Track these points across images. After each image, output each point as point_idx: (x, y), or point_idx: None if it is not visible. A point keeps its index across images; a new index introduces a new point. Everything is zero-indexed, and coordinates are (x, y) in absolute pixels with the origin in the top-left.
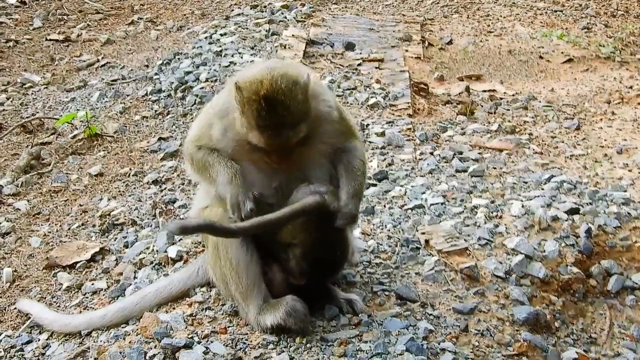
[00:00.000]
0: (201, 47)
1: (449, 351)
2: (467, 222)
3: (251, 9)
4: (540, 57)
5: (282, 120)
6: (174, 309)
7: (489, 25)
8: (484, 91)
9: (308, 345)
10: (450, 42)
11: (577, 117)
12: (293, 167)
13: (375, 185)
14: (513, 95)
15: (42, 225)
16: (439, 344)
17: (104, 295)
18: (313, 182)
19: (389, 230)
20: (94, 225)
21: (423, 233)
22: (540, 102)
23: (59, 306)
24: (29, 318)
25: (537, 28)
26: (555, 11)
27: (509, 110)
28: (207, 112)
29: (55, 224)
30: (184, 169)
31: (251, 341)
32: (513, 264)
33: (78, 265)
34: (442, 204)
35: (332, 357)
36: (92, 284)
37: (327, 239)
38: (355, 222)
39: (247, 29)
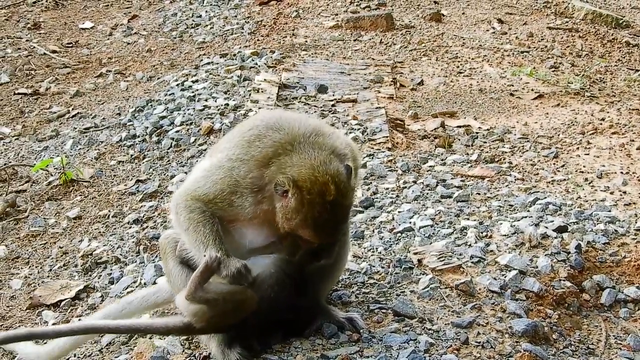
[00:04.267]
0: (173, 93)
1: None
2: (457, 242)
3: (220, 57)
4: (511, 95)
5: (342, 219)
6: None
7: (458, 67)
8: (459, 126)
9: None
10: (421, 83)
11: (554, 147)
12: None
13: (362, 212)
14: (488, 129)
15: (22, 268)
16: (441, 356)
17: None
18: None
19: (380, 252)
20: (75, 265)
21: (415, 253)
22: (515, 135)
23: (45, 343)
24: (15, 356)
25: (506, 68)
26: (522, 52)
27: (486, 142)
28: (232, 177)
29: (36, 267)
30: (165, 209)
31: None
32: (507, 279)
33: (63, 303)
34: (431, 226)
35: None
36: (79, 320)
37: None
38: None
39: (219, 75)
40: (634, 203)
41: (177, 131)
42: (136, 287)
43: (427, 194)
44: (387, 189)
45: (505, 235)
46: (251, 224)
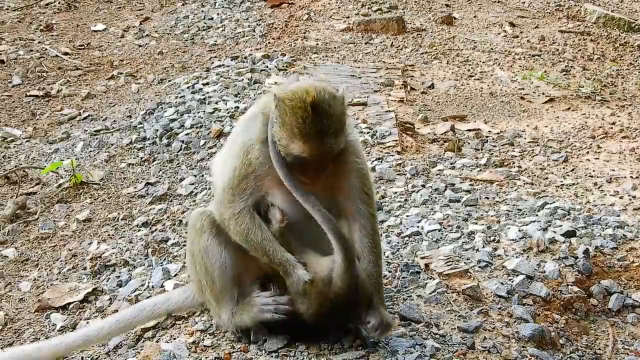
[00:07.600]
0: (184, 96)
1: None
2: (465, 247)
3: (232, 60)
4: (522, 98)
5: (327, 128)
6: (175, 338)
7: (469, 70)
8: (469, 130)
9: None
10: (431, 86)
11: (563, 151)
12: (321, 192)
13: None
14: (498, 133)
15: (31, 270)
16: None
17: None
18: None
19: (387, 256)
20: (84, 268)
21: (422, 258)
22: (525, 139)
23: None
24: None
25: (517, 71)
26: (533, 55)
27: (495, 146)
28: (239, 142)
29: (45, 269)
30: (174, 212)
31: None
32: (514, 283)
33: (71, 306)
34: (439, 230)
35: None
36: (87, 323)
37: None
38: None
39: (229, 78)
40: None
41: (187, 134)
42: (144, 290)
43: (436, 198)
44: (396, 193)
45: (513, 239)
46: (280, 188)
